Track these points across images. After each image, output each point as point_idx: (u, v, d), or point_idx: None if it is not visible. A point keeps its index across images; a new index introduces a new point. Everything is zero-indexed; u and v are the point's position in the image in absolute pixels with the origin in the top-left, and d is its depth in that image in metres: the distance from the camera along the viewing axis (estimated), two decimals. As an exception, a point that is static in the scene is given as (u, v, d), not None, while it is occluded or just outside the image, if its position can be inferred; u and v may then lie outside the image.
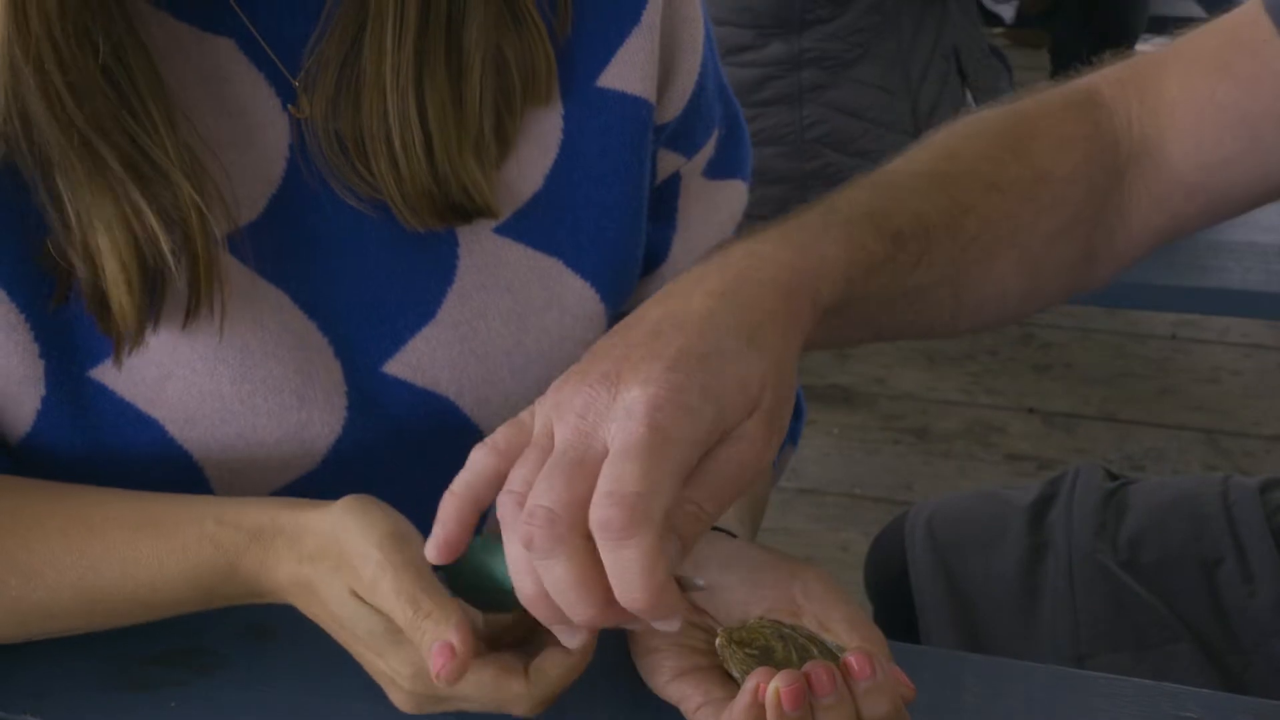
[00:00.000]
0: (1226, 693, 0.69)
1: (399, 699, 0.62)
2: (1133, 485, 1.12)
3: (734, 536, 0.70)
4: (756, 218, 1.71)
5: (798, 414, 0.91)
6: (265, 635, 0.71)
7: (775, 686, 0.57)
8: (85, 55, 0.63)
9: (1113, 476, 1.15)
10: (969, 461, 2.38)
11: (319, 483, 0.74)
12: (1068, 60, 2.87)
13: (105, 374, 0.70)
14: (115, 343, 0.69)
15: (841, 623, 0.62)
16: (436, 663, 0.57)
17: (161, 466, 0.72)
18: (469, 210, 0.73)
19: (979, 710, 0.56)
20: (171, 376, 0.70)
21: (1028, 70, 3.64)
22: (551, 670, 0.59)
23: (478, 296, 0.75)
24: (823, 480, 2.34)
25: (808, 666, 0.58)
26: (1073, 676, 0.72)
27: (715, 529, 0.70)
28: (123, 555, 0.66)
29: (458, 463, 0.77)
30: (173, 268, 0.67)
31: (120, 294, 0.66)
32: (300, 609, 0.65)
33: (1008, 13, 2.77)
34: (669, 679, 0.62)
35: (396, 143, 0.70)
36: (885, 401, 2.57)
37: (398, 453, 0.76)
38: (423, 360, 0.74)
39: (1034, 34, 3.40)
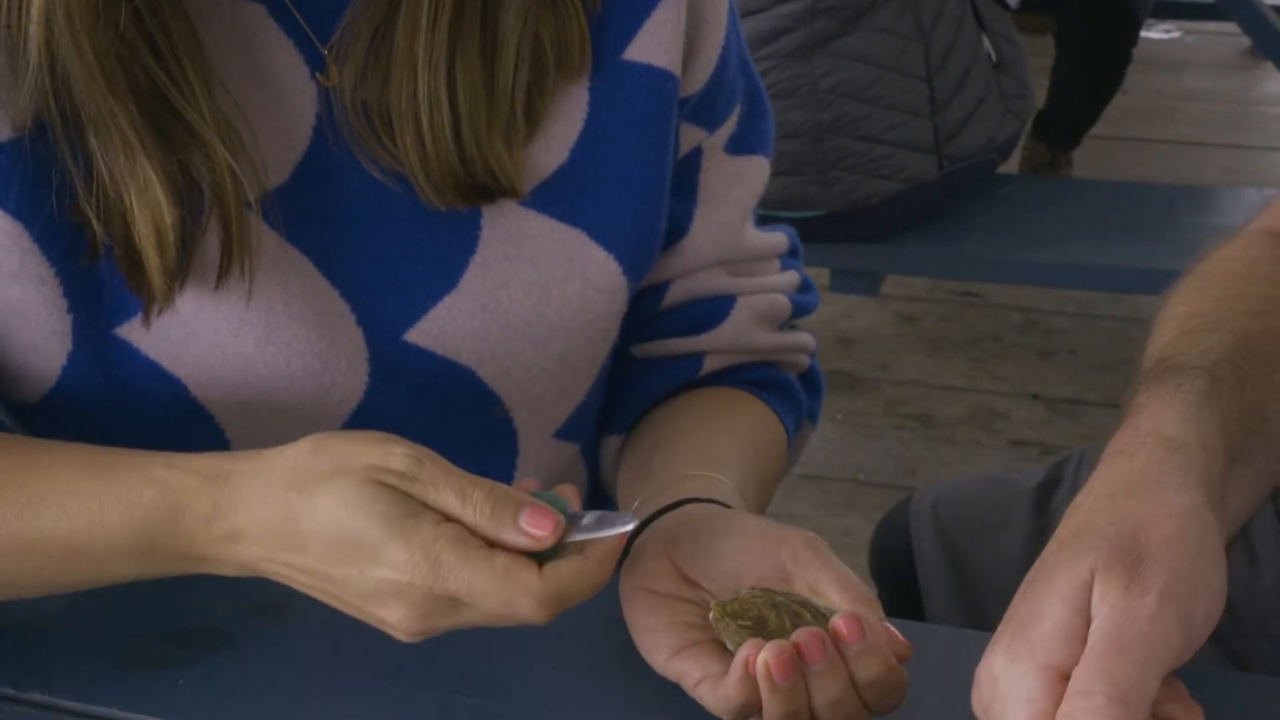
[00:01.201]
0: (1233, 671, 0.69)
1: (403, 617, 0.59)
2: (1137, 469, 1.12)
3: (727, 508, 0.70)
4: (775, 174, 1.77)
5: (817, 392, 0.91)
6: (275, 614, 0.71)
7: (764, 658, 0.58)
8: (122, 18, 0.64)
9: (1118, 460, 1.14)
10: (972, 448, 2.38)
11: None
12: (1072, 46, 2.87)
13: (131, 332, 0.70)
14: (145, 302, 0.69)
15: (832, 585, 0.62)
16: (540, 520, 0.57)
17: (183, 426, 0.72)
18: (493, 191, 0.73)
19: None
20: (196, 336, 0.70)
21: (1031, 56, 3.64)
22: (567, 572, 0.58)
23: (500, 267, 0.75)
24: (826, 466, 2.34)
25: (797, 634, 0.59)
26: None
27: (709, 500, 0.70)
28: (62, 491, 0.63)
29: (479, 432, 0.78)
30: (204, 229, 0.67)
31: (151, 254, 0.67)
32: (259, 565, 0.62)
33: (1010, -2, 2.76)
34: (668, 657, 0.62)
35: (424, 122, 0.70)
36: (888, 387, 2.57)
37: (419, 421, 0.76)
38: (444, 329, 0.74)
39: (1038, 19, 3.40)
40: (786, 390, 0.86)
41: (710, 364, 0.84)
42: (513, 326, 0.75)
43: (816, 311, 0.91)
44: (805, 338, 0.89)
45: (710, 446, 0.77)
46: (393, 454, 0.59)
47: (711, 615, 0.62)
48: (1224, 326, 0.69)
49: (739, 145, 0.84)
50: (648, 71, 0.76)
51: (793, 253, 0.89)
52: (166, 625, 0.71)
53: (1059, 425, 2.43)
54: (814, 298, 0.90)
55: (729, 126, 0.82)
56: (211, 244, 0.69)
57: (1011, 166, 2.89)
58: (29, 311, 0.69)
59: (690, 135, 0.81)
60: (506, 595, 0.57)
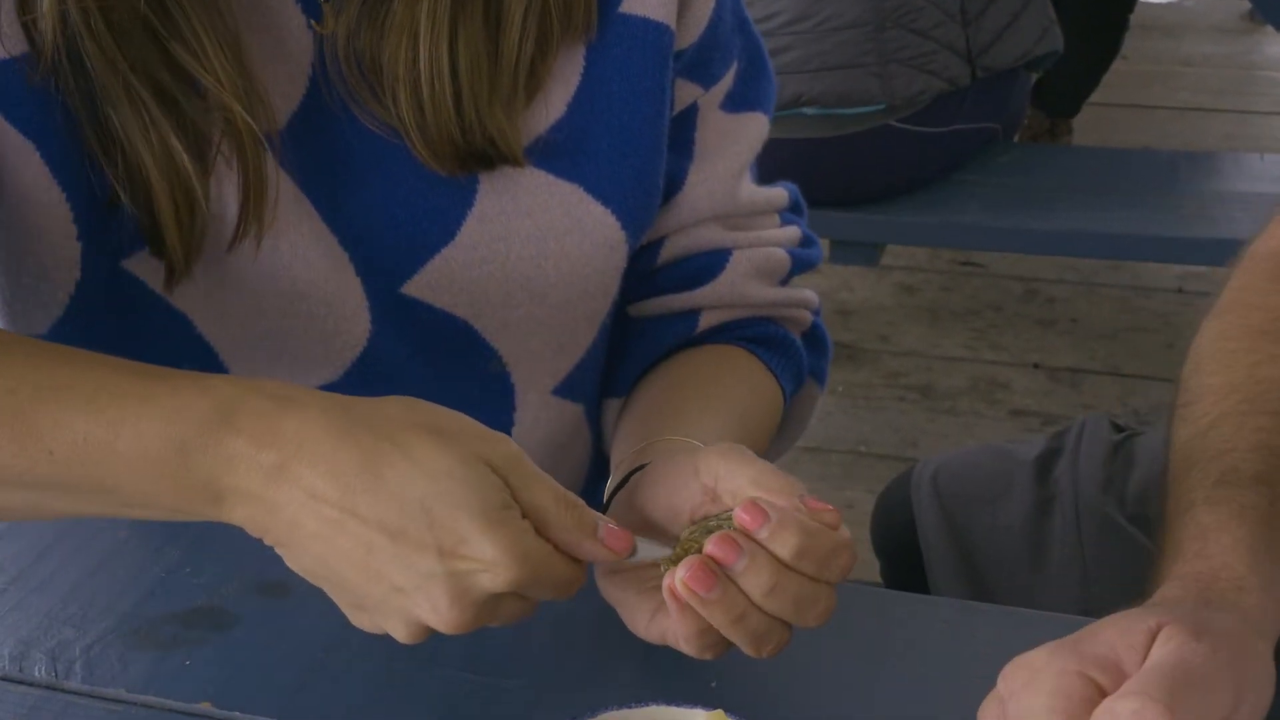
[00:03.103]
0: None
1: (457, 599, 0.55)
2: (1139, 438, 1.12)
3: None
4: (832, 69, 1.66)
5: (823, 350, 0.90)
6: (280, 593, 0.71)
7: (680, 577, 0.57)
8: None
9: (1119, 429, 1.15)
10: (974, 418, 2.38)
11: (340, 392, 0.73)
12: (1070, 12, 2.84)
13: (138, 265, 0.70)
14: (166, 269, 0.68)
15: (750, 487, 0.60)
16: (617, 538, 0.59)
17: (187, 362, 0.70)
18: (493, 159, 0.73)
19: (992, 659, 0.56)
20: (205, 271, 0.70)
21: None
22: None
23: (498, 220, 0.74)
24: (827, 438, 2.34)
25: (707, 544, 0.58)
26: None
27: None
28: (94, 385, 0.56)
29: (476, 386, 0.78)
30: (219, 197, 0.67)
31: (170, 225, 0.67)
32: (296, 511, 0.55)
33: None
34: (647, 622, 0.62)
35: (424, 91, 0.70)
36: (889, 358, 2.57)
37: (417, 372, 0.76)
38: (441, 282, 0.74)
39: None
40: (784, 346, 0.85)
41: (706, 320, 0.83)
42: (510, 280, 0.75)
43: (816, 269, 0.90)
44: (807, 294, 0.88)
45: (688, 409, 0.77)
46: (500, 439, 0.58)
47: (664, 574, 0.60)
48: (1267, 407, 0.70)
49: (737, 103, 0.83)
50: (643, 25, 0.75)
51: (794, 208, 0.89)
52: (173, 606, 0.71)
53: (1060, 394, 2.43)
54: (816, 252, 0.89)
55: (725, 83, 0.82)
56: (232, 204, 0.68)
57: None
58: (40, 234, 0.68)
59: (685, 91, 0.80)
60: (567, 579, 0.58)
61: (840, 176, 2.01)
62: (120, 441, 0.55)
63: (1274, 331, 0.75)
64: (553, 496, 0.58)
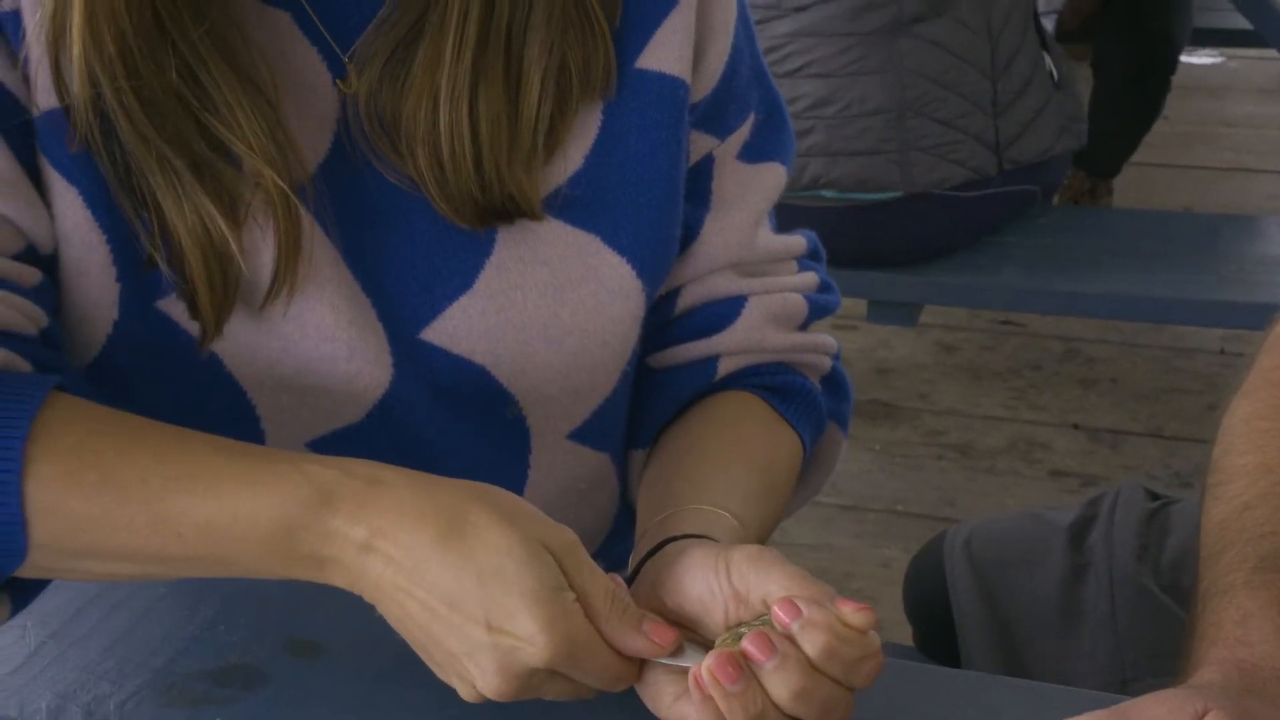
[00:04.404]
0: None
1: (501, 670, 0.60)
2: (1175, 505, 1.11)
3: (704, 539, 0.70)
4: (855, 154, 1.65)
5: (843, 395, 0.90)
6: (311, 653, 0.72)
7: (706, 665, 0.59)
8: (159, 69, 0.66)
9: (1154, 496, 1.14)
10: (1012, 478, 2.37)
11: (362, 435, 0.76)
12: (1111, 73, 2.86)
13: (172, 306, 0.72)
14: (201, 331, 0.71)
15: (781, 591, 0.62)
16: (661, 632, 0.62)
17: (217, 399, 0.73)
18: (511, 214, 0.75)
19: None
20: (235, 313, 0.72)
21: (1072, 84, 3.62)
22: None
23: (515, 269, 0.76)
24: (864, 496, 2.34)
25: (744, 640, 0.60)
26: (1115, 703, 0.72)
27: (689, 536, 0.71)
28: (213, 473, 0.63)
29: (494, 429, 0.79)
30: (254, 254, 0.70)
31: (202, 288, 0.69)
32: (378, 579, 0.62)
33: (1047, 25, 2.76)
34: (670, 703, 0.64)
35: (445, 151, 0.72)
36: (928, 417, 2.56)
37: (437, 416, 0.77)
38: (459, 329, 0.76)
39: (1077, 47, 3.38)
40: (802, 395, 0.86)
41: (725, 366, 0.84)
42: (526, 327, 0.76)
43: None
44: (825, 339, 0.88)
45: (709, 471, 0.78)
46: (561, 528, 0.63)
47: (692, 674, 0.62)
48: None
49: (754, 153, 0.84)
50: (659, 79, 0.77)
51: (812, 255, 0.90)
52: (205, 663, 0.72)
53: (1101, 455, 2.42)
54: (834, 298, 0.90)
55: (742, 134, 0.83)
56: (264, 260, 0.71)
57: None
58: (83, 275, 0.71)
59: (701, 142, 0.82)
60: (615, 675, 0.63)
61: (875, 241, 2.02)
62: (237, 526, 0.62)
63: None
64: (602, 588, 0.63)
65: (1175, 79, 2.88)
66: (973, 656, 1.13)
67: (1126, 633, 1.05)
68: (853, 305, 2.57)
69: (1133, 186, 3.17)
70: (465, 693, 0.63)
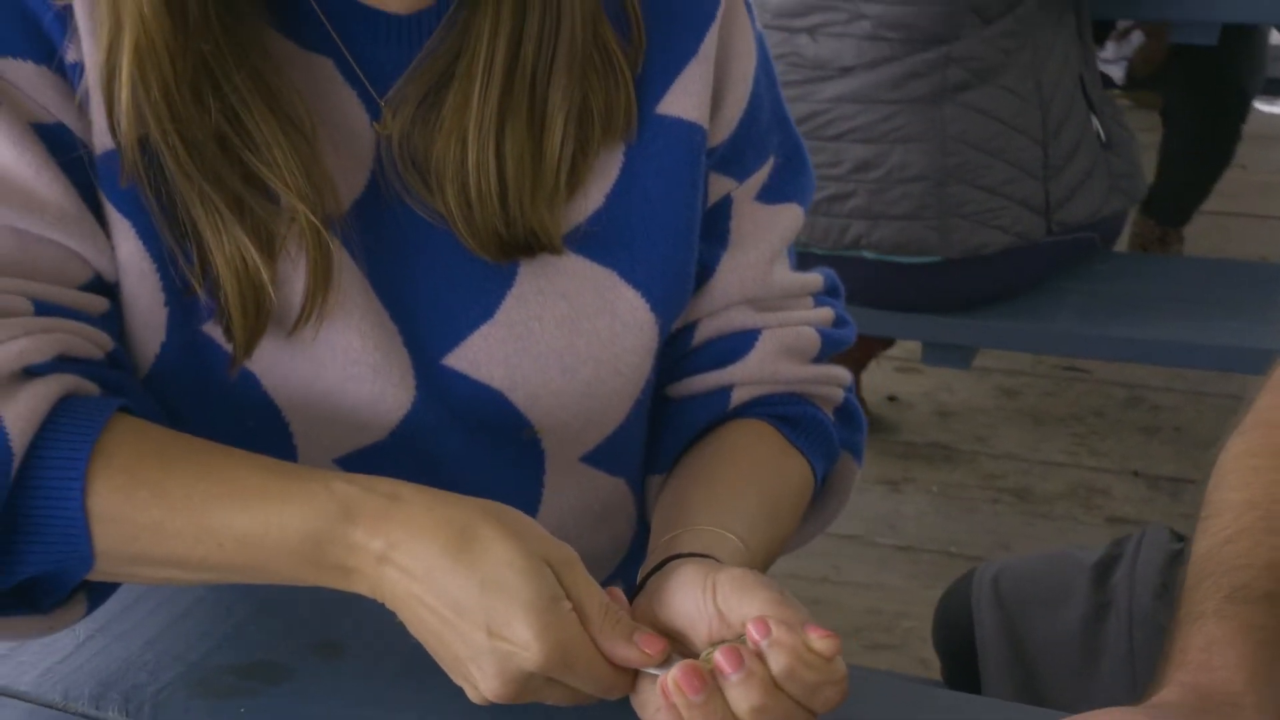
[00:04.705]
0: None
1: (499, 673, 0.65)
2: (1199, 548, 1.12)
3: (705, 558, 0.74)
4: (895, 218, 1.61)
5: (856, 425, 0.94)
6: (331, 653, 0.77)
7: (672, 676, 0.63)
8: (202, 112, 0.72)
9: (1179, 538, 1.15)
10: (1070, 524, 2.36)
11: (386, 453, 0.81)
12: (1180, 122, 2.85)
13: (214, 330, 0.77)
14: (234, 353, 0.77)
15: (759, 613, 0.65)
16: (651, 643, 0.66)
17: (253, 417, 0.79)
18: (533, 248, 0.79)
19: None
20: (269, 338, 0.77)
21: (1141, 131, 3.59)
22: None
23: (535, 300, 0.81)
24: (920, 538, 2.34)
25: (715, 652, 0.64)
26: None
27: (690, 554, 0.74)
28: (251, 489, 0.68)
29: (510, 450, 0.84)
30: (287, 281, 0.75)
31: (236, 316, 0.75)
32: (394, 587, 0.66)
33: (1117, 73, 2.76)
34: (653, 713, 0.67)
35: (472, 189, 0.77)
36: (986, 460, 2.56)
37: (456, 437, 0.82)
38: (479, 356, 0.81)
39: (1146, 95, 3.38)
40: (814, 425, 0.89)
41: (738, 396, 0.88)
42: (543, 355, 0.81)
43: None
44: (838, 371, 0.92)
45: (718, 495, 0.82)
46: (562, 545, 0.68)
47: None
48: None
49: (772, 195, 0.88)
50: (678, 125, 0.82)
51: (830, 291, 0.94)
52: (235, 659, 0.77)
53: (1160, 503, 2.40)
54: (849, 332, 0.93)
55: (760, 177, 0.87)
56: (295, 288, 0.76)
57: (1122, 244, 2.88)
58: (136, 300, 0.76)
59: (719, 184, 0.86)
60: (609, 684, 0.67)
61: (922, 295, 2.03)
62: (270, 537, 0.68)
63: None
64: (597, 600, 0.67)
65: (1254, 128, 2.87)
66: (993, 690, 1.15)
67: (1143, 670, 1.06)
68: (914, 348, 2.58)
69: (1205, 235, 3.15)
70: (471, 694, 0.68)
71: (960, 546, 2.32)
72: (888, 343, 2.54)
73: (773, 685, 0.63)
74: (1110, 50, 2.81)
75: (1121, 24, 2.80)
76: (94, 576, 0.71)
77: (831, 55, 1.96)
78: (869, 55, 1.93)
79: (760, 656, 0.64)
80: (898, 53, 1.93)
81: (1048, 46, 1.97)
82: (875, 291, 2.05)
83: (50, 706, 0.74)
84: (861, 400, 2.63)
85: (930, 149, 1.93)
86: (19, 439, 0.67)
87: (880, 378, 2.76)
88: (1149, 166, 2.89)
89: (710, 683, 0.63)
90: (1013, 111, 1.95)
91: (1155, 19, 2.64)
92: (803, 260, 0.87)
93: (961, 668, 1.25)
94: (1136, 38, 2.80)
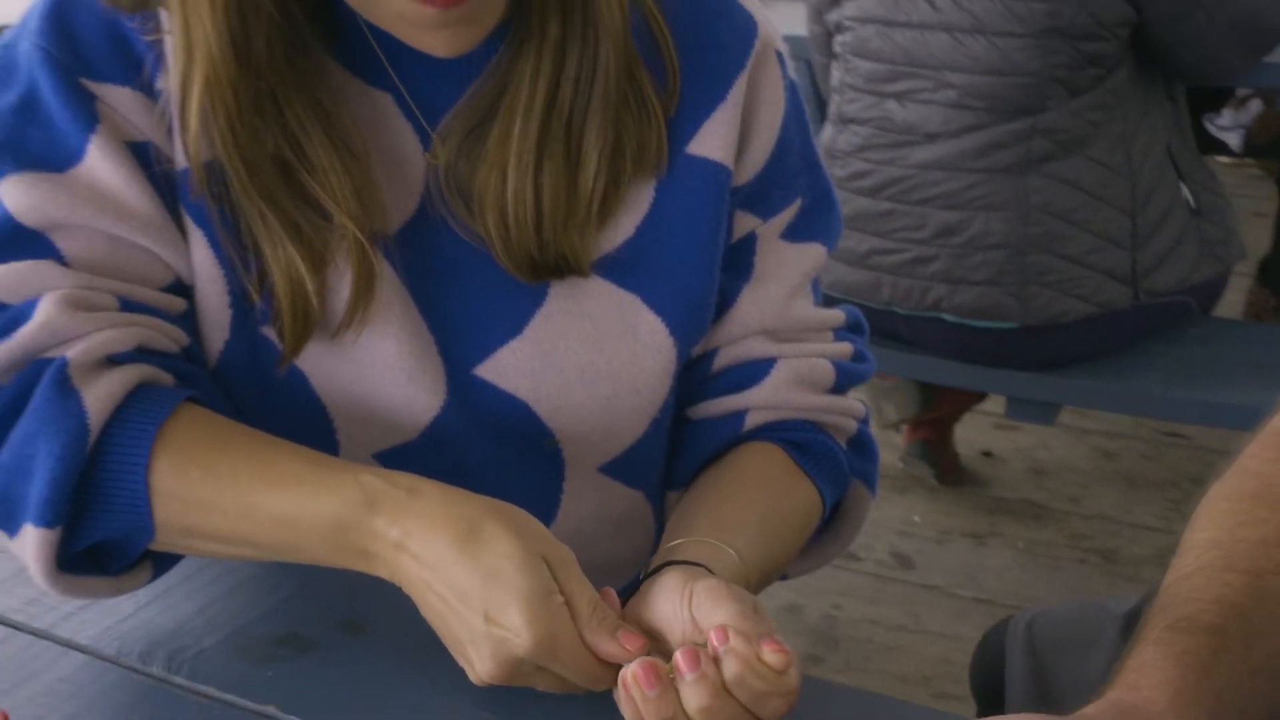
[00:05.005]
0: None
1: (493, 656, 0.71)
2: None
3: (697, 567, 0.79)
4: (974, 283, 1.57)
5: (869, 456, 0.98)
6: (357, 629, 0.85)
7: (630, 670, 0.69)
8: (263, 139, 0.80)
9: (1210, 593, 1.16)
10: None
11: (416, 453, 0.88)
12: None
13: (269, 331, 0.85)
14: (283, 351, 0.85)
15: (725, 622, 0.70)
16: (632, 640, 0.72)
17: (302, 414, 0.87)
18: (563, 271, 0.86)
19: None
20: (316, 342, 0.85)
21: (1258, 199, 3.54)
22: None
23: (562, 320, 0.88)
24: (1000, 592, 2.34)
25: (676, 652, 0.69)
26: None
27: (684, 562, 0.79)
28: (292, 476, 0.76)
29: (532, 457, 0.91)
30: (334, 290, 0.82)
31: (286, 322, 0.83)
32: (407, 573, 0.73)
33: (1234, 140, 2.74)
34: None
35: (510, 216, 0.84)
36: (1076, 520, 2.55)
37: (482, 442, 0.89)
38: (507, 368, 0.88)
39: (1264, 164, 3.32)
40: (824, 453, 0.94)
41: (752, 420, 0.94)
42: (567, 371, 0.88)
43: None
44: (853, 403, 0.97)
45: (723, 512, 0.87)
46: (561, 545, 0.74)
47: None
48: (1239, 565, 0.75)
49: (797, 234, 0.94)
50: (705, 165, 0.88)
51: (852, 327, 0.99)
52: (270, 630, 0.85)
53: (1251, 575, 2.36)
54: (867, 367, 0.98)
55: (786, 216, 0.93)
56: (340, 298, 0.83)
57: (1234, 312, 2.84)
58: (206, 301, 0.85)
59: (744, 221, 0.92)
60: (592, 676, 0.72)
61: (1007, 354, 2.05)
62: (303, 520, 0.75)
63: (1264, 497, 0.79)
64: (587, 597, 0.73)
65: (1370, 200, 2.81)
66: (1016, 731, 1.17)
67: (1160, 719, 1.07)
68: (993, 403, 2.58)
69: (1325, 306, 3.08)
70: (470, 674, 0.74)
71: (1040, 603, 2.30)
72: (980, 396, 2.55)
73: (723, 689, 0.69)
74: (1228, 118, 2.79)
75: (1241, 92, 2.78)
76: (155, 546, 0.80)
77: (919, 121, 1.99)
78: (954, 123, 1.96)
79: (716, 661, 0.69)
80: (983, 121, 1.96)
81: (1138, 117, 1.98)
82: (957, 350, 2.08)
83: (104, 659, 0.83)
84: (956, 454, 2.64)
85: (1012, 217, 1.95)
86: (96, 418, 0.76)
87: (976, 432, 2.77)
88: (1266, 234, 2.86)
89: (666, 680, 0.69)
90: (1099, 182, 1.96)
91: (1273, 87, 2.61)
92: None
93: (992, 710, 1.27)
94: (1255, 105, 2.78)
